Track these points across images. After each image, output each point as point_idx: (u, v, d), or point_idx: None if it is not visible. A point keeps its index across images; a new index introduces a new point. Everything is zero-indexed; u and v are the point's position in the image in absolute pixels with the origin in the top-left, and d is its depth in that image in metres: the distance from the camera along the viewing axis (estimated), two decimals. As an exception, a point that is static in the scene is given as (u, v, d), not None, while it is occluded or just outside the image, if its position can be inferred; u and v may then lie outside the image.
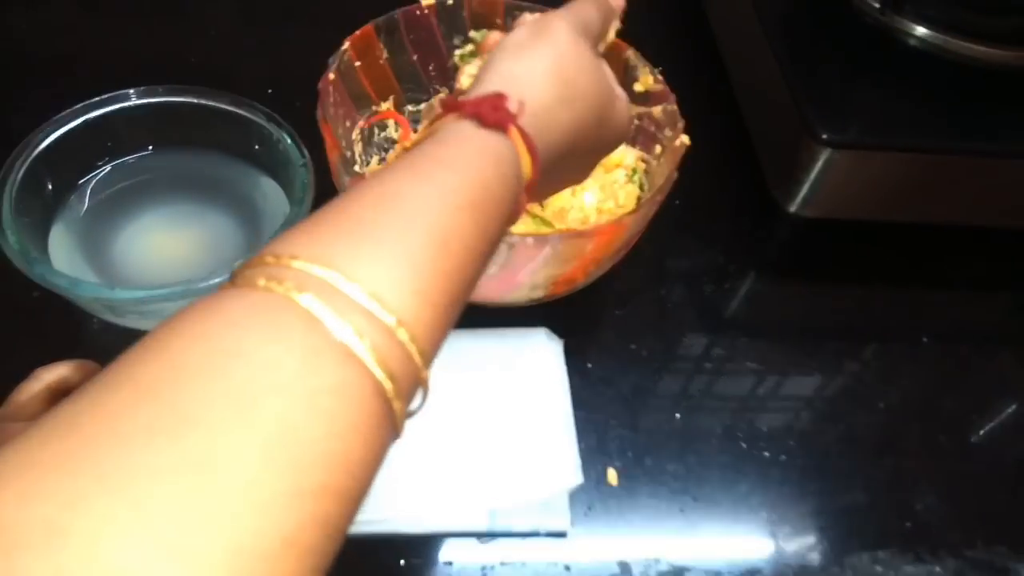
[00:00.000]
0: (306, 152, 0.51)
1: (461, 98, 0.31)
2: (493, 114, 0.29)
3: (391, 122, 0.60)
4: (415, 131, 0.59)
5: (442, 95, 0.60)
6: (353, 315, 0.21)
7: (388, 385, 0.22)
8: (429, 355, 0.24)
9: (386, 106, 0.58)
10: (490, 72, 0.32)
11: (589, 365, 0.53)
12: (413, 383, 0.24)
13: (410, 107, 0.60)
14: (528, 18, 0.37)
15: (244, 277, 0.22)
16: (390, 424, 0.22)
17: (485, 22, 0.55)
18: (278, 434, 0.19)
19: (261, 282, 0.22)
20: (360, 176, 0.45)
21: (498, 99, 0.30)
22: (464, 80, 0.39)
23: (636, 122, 0.56)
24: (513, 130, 0.30)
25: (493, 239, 0.28)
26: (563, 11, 0.35)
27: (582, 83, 0.34)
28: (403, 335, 0.22)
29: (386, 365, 0.22)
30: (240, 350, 0.20)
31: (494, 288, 0.48)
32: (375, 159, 0.59)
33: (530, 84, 0.32)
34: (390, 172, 0.27)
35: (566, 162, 0.35)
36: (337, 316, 0.21)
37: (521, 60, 0.32)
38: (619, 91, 0.37)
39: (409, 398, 0.23)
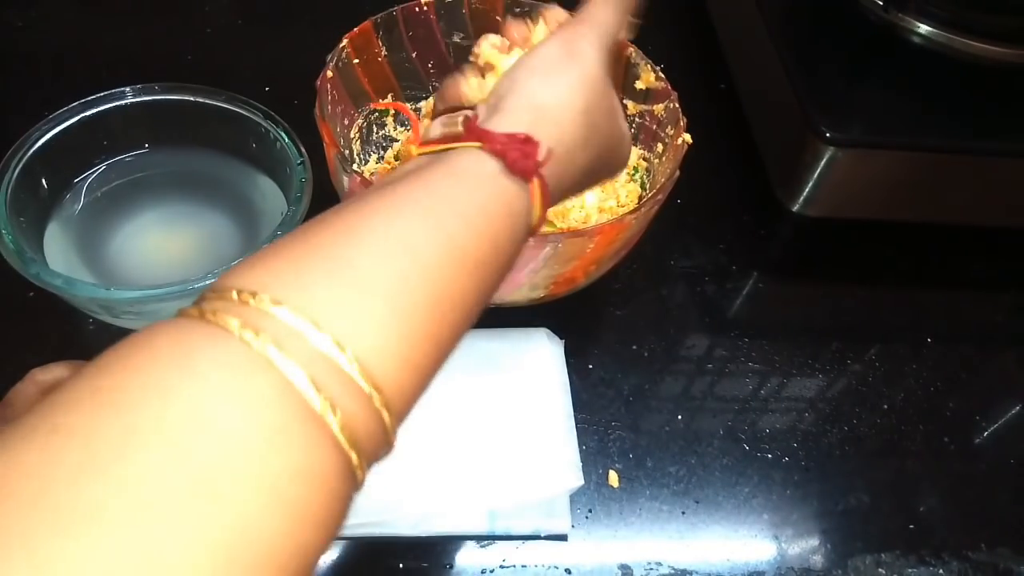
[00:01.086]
0: (304, 150, 0.50)
1: (487, 126, 0.28)
2: (521, 161, 0.27)
3: (390, 120, 0.59)
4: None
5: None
6: (332, 384, 0.20)
7: (356, 460, 0.20)
8: (402, 419, 0.23)
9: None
10: (517, 93, 0.30)
11: (590, 366, 0.53)
12: (381, 450, 0.22)
13: (409, 104, 0.59)
14: (553, 15, 0.35)
15: (214, 310, 0.20)
16: (350, 495, 0.21)
17: (485, 19, 0.55)
18: (237, 531, 0.17)
19: (234, 325, 0.20)
20: (359, 175, 0.44)
21: (529, 145, 0.27)
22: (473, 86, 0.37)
23: (638, 120, 0.55)
24: (535, 181, 0.28)
25: (489, 295, 0.26)
26: (593, 26, 0.33)
27: (602, 125, 0.32)
28: (379, 402, 0.21)
29: (356, 440, 0.20)
30: (202, 418, 0.18)
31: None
32: (373, 157, 0.58)
33: (558, 122, 0.30)
34: (396, 205, 0.24)
35: (565, 196, 0.33)
36: (315, 388, 0.19)
37: (551, 86, 0.30)
38: (625, 128, 0.35)
39: (373, 463, 0.22)
